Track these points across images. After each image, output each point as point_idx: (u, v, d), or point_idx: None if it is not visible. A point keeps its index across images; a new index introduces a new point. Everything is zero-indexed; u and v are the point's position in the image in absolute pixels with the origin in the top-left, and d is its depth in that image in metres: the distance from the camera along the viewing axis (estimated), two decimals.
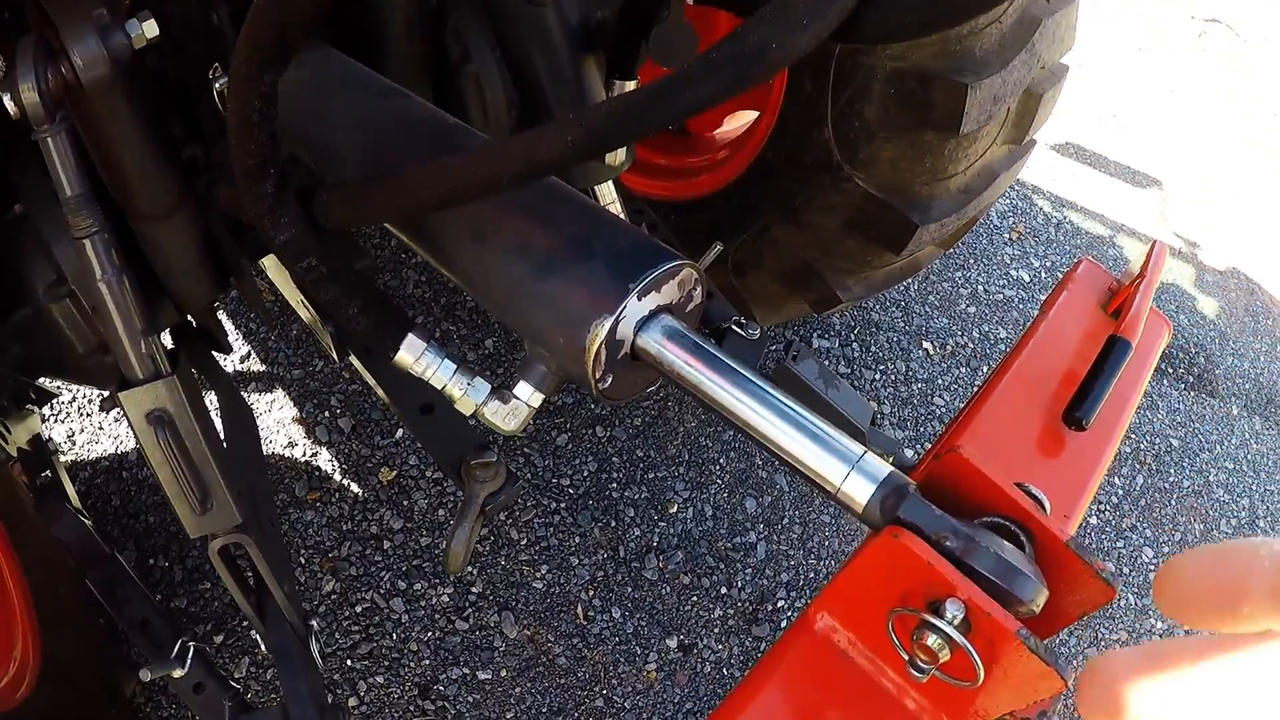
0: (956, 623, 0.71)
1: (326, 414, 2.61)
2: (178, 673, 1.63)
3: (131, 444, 2.47)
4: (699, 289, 1.05)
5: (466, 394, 1.09)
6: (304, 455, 2.54)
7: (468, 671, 2.31)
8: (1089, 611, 0.77)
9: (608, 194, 1.61)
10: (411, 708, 2.26)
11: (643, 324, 1.00)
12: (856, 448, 0.87)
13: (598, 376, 0.99)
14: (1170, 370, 3.44)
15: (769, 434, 0.91)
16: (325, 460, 2.54)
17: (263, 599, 1.60)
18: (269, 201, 1.01)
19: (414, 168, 0.93)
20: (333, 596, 2.36)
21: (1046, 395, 1.22)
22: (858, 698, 0.80)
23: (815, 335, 3.01)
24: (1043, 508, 0.81)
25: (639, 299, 0.97)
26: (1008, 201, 3.69)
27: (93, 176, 1.25)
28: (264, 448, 2.53)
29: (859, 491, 0.85)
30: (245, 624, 2.25)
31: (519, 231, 1.04)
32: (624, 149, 1.50)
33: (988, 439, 1.11)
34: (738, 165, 2.24)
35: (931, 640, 0.72)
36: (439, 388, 1.11)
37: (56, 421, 2.52)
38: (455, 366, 1.10)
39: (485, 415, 1.10)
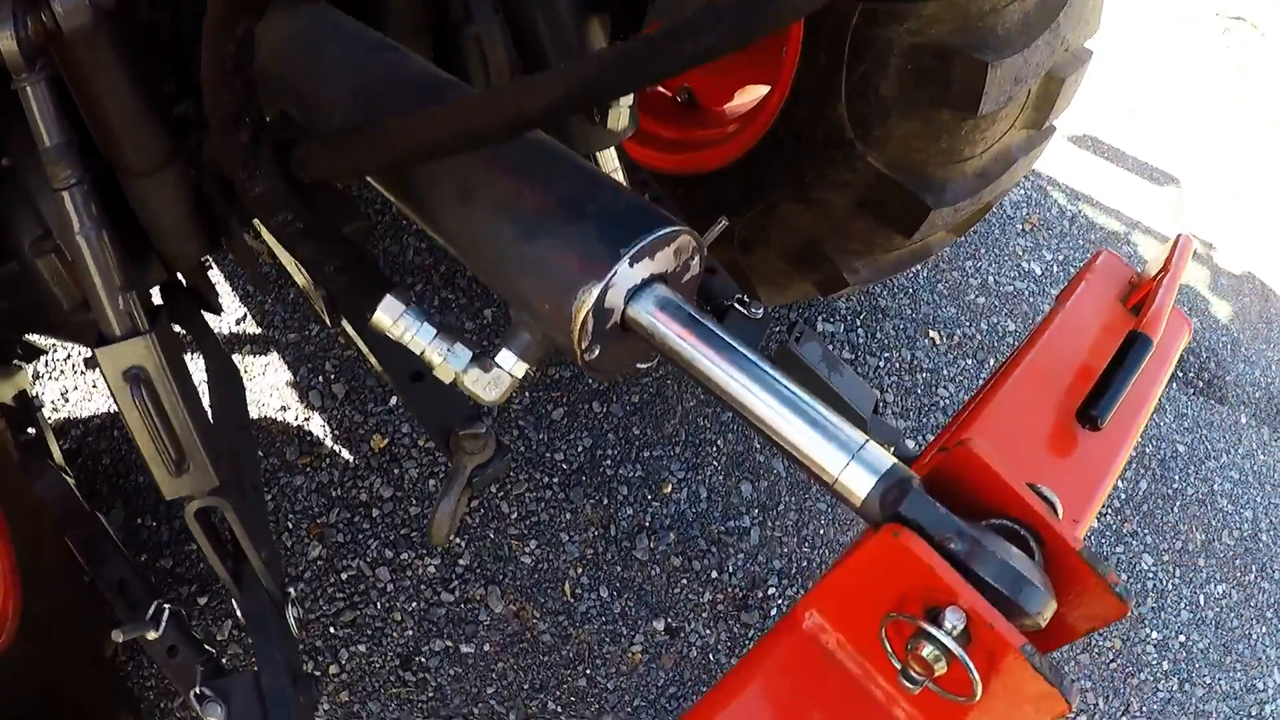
0: (956, 633, 0.65)
1: (320, 379, 2.57)
2: (152, 635, 1.59)
3: None
4: (697, 259, 0.99)
5: (446, 360, 1.04)
6: (296, 420, 2.50)
7: (451, 644, 2.28)
8: (1098, 627, 0.72)
9: (610, 162, 1.56)
10: (392, 678, 2.23)
11: (634, 293, 0.94)
12: (858, 436, 0.81)
13: (584, 347, 0.94)
14: (1180, 374, 3.38)
15: (764, 417, 0.86)
16: (317, 425, 2.50)
17: (240, 564, 1.57)
18: (244, 152, 0.96)
19: (395, 119, 0.87)
20: (318, 563, 2.33)
21: (1060, 391, 1.17)
22: (844, 704, 0.75)
23: (820, 318, 2.95)
24: (1055, 511, 0.75)
25: (630, 265, 0.92)
26: (1022, 192, 3.62)
27: (81, 129, 1.23)
28: (256, 411, 2.49)
29: (858, 484, 0.80)
30: None
31: (508, 191, 0.98)
32: (627, 114, 1.44)
33: (997, 434, 1.05)
34: (747, 139, 2.17)
35: (927, 651, 0.67)
36: (417, 352, 1.05)
37: (50, 379, 2.48)
38: (435, 331, 1.05)
39: (465, 383, 1.04)
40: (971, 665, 0.65)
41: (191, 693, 1.51)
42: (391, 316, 1.04)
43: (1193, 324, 3.56)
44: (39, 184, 1.31)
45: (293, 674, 1.52)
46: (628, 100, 1.41)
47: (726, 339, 0.90)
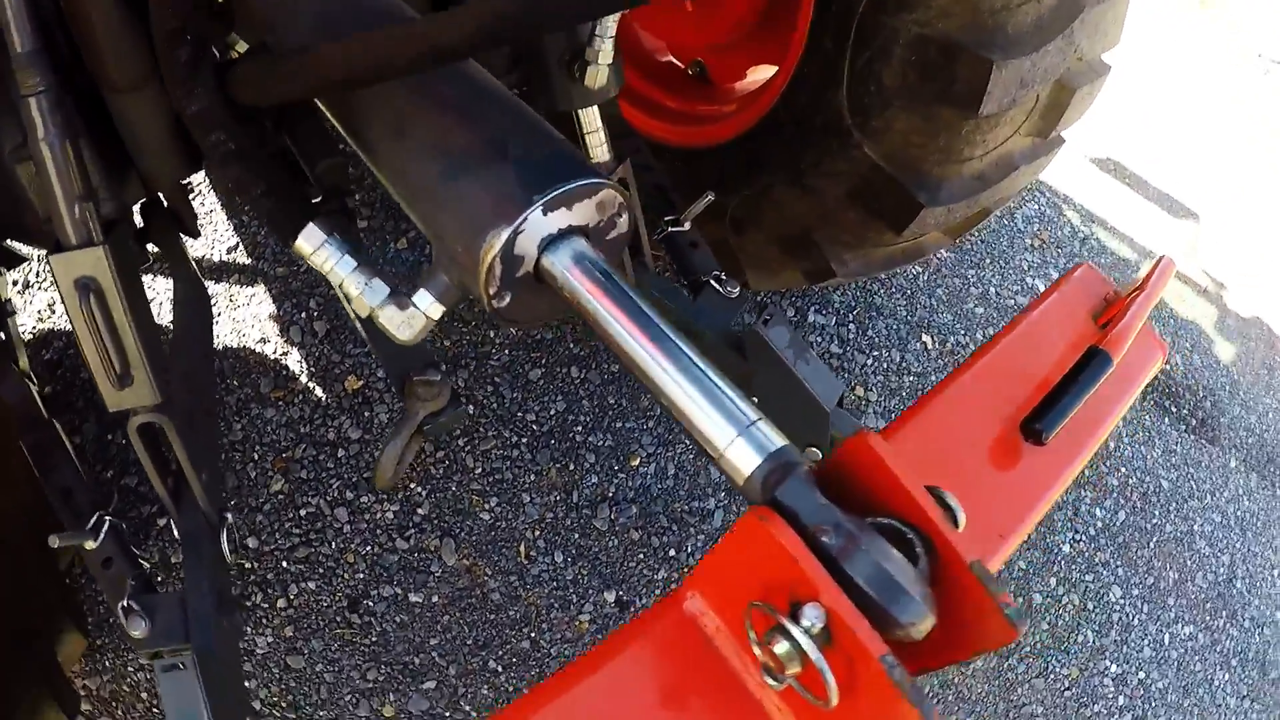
0: (815, 632, 0.62)
1: (303, 314, 2.55)
2: (89, 544, 1.59)
3: None
4: (624, 216, 0.96)
5: (363, 294, 1.02)
6: (274, 353, 2.49)
7: (400, 591, 2.27)
8: (987, 650, 0.68)
9: (592, 121, 1.51)
10: (338, 618, 2.23)
11: (549, 243, 0.92)
12: (751, 413, 0.78)
13: (492, 292, 0.91)
14: (1174, 409, 3.32)
15: (660, 382, 0.83)
16: (295, 360, 2.49)
17: (180, 485, 1.56)
18: (183, 70, 0.95)
19: (323, 46, 0.85)
20: (279, 496, 2.33)
21: (1011, 401, 1.13)
22: (715, 692, 0.72)
23: (813, 309, 2.91)
24: (954, 519, 0.72)
25: (545, 213, 0.89)
26: (1035, 207, 3.56)
27: (70, 42, 1.23)
28: (236, 340, 2.49)
29: (743, 460, 0.77)
30: None
31: (437, 127, 0.96)
32: (606, 72, 1.40)
33: (933, 436, 1.02)
34: (749, 118, 2.13)
35: (781, 647, 0.64)
36: (336, 284, 1.03)
37: (40, 289, 2.48)
38: (356, 263, 1.02)
39: (380, 320, 1.02)
40: (826, 668, 0.61)
41: (119, 605, 1.51)
42: (312, 245, 1.01)
43: (1187, 363, 3.49)
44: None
45: (219, 597, 1.51)
46: (606, 59, 1.37)
47: (638, 302, 0.87)
